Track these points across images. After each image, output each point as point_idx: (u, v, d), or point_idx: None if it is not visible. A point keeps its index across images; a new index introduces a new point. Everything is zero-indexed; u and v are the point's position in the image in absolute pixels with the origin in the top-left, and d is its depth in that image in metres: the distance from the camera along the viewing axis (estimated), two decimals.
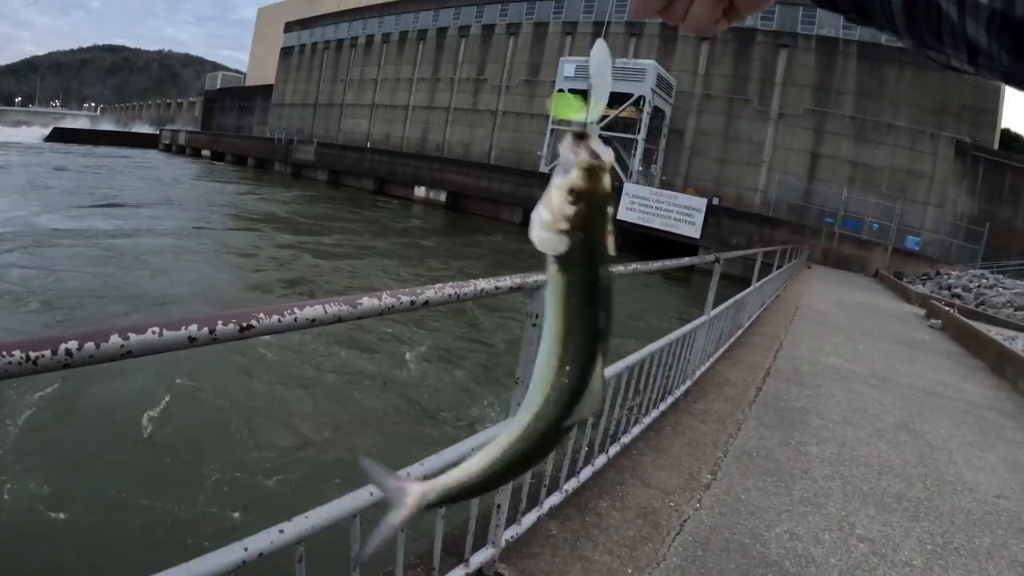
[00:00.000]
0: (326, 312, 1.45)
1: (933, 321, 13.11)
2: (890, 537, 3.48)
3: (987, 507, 4.13)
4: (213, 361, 7.44)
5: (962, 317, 12.61)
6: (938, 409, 6.15)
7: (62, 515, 4.72)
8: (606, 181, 0.46)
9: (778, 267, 11.98)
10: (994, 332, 10.86)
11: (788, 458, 4.41)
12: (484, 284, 2.05)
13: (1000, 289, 20.04)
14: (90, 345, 1.07)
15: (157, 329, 1.17)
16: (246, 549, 1.62)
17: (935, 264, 27.71)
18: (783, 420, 5.06)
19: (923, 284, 23.03)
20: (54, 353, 1.03)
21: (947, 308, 14.16)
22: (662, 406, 4.74)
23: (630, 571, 3.18)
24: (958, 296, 19.57)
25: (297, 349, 8.37)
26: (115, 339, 1.11)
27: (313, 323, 1.42)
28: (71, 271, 11.91)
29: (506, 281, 2.21)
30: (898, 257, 29.02)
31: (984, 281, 21.92)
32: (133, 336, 1.13)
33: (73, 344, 1.05)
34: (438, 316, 11.15)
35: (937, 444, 5.12)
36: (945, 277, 23.77)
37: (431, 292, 1.80)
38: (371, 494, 1.94)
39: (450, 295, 1.86)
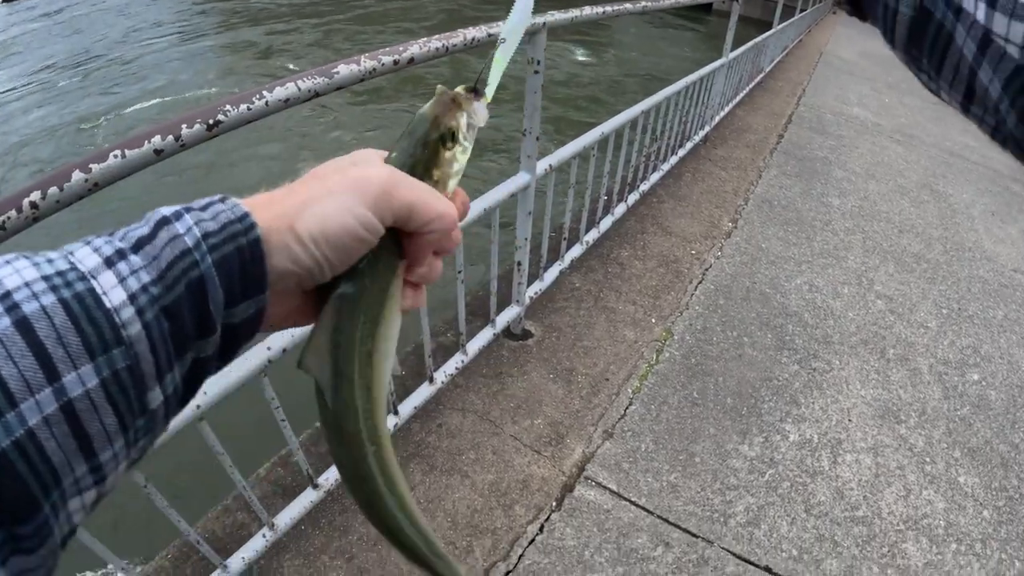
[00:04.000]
0: (300, 89, 1.29)
1: None
2: (907, 297, 3.36)
3: (1003, 279, 4.01)
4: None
5: None
6: (963, 172, 5.85)
7: None
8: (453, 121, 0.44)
9: (801, 10, 10.89)
10: None
11: (809, 209, 4.18)
12: (475, 32, 1.73)
13: None
14: (53, 190, 1.01)
15: (118, 152, 1.08)
16: (269, 348, 1.59)
17: None
18: (805, 170, 4.75)
19: None
20: (19, 211, 0.97)
21: None
22: (680, 152, 4.40)
23: (654, 320, 3.08)
24: None
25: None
26: (78, 175, 1.03)
27: (287, 103, 1.29)
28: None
29: (499, 27, 1.80)
30: None
31: None
32: (95, 167, 1.05)
33: (35, 195, 0.99)
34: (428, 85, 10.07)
35: (959, 208, 4.90)
36: None
37: (416, 48, 1.55)
38: None
39: (438, 48, 1.60)
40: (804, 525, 2.24)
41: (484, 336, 2.64)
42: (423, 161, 0.43)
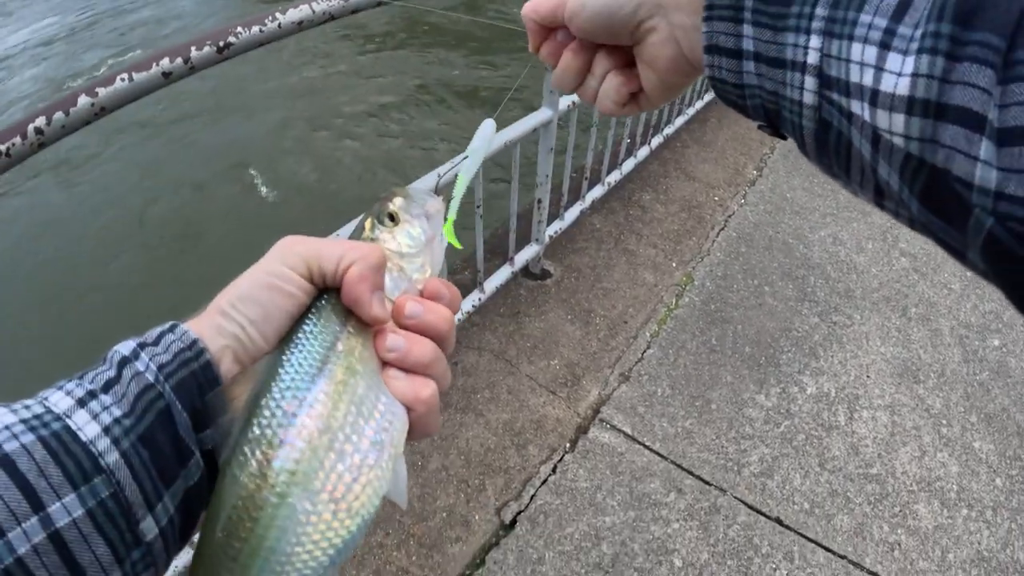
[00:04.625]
0: (314, 12, 1.26)
1: None
2: (931, 256, 3.21)
3: None
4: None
5: None
6: None
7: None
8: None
9: None
10: None
11: None
12: None
13: None
14: (59, 116, 0.99)
15: (125, 75, 1.06)
16: None
17: None
18: None
19: None
20: (24, 137, 0.97)
21: None
22: (707, 97, 4.18)
23: (674, 264, 2.96)
24: None
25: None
26: (84, 100, 1.01)
27: (300, 26, 1.26)
28: None
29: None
30: None
31: None
32: (102, 91, 1.02)
33: (40, 121, 0.98)
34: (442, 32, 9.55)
35: None
36: None
37: None
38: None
39: None
40: (817, 479, 2.17)
41: (502, 274, 2.54)
42: (357, 236, 0.44)
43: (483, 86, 6.15)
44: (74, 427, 0.32)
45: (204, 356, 0.37)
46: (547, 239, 2.72)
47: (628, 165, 3.25)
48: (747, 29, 0.41)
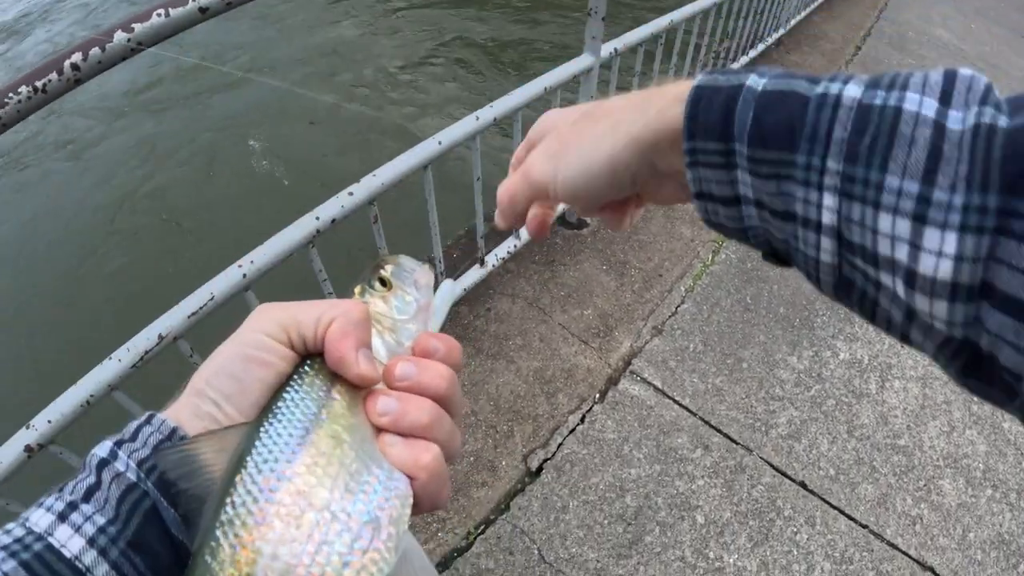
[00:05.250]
0: None
1: None
2: None
3: None
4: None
5: None
6: None
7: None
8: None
9: None
10: None
11: None
12: None
13: None
14: (95, 52, 0.97)
15: (162, 11, 1.03)
16: (318, 218, 1.52)
17: None
18: None
19: None
20: (60, 73, 0.95)
21: None
22: (752, 53, 3.98)
23: (714, 237, 2.83)
24: None
25: None
26: (120, 35, 0.99)
27: None
28: None
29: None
30: None
31: None
32: (138, 26, 1.00)
33: (77, 57, 0.96)
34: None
35: None
36: None
37: None
38: (439, 143, 1.74)
39: None
40: (844, 446, 2.10)
41: None
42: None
43: (525, 43, 5.88)
44: (57, 544, 0.30)
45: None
46: None
47: None
48: (743, 176, 0.35)
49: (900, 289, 0.30)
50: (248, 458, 0.31)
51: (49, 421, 1.21)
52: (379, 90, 5.31)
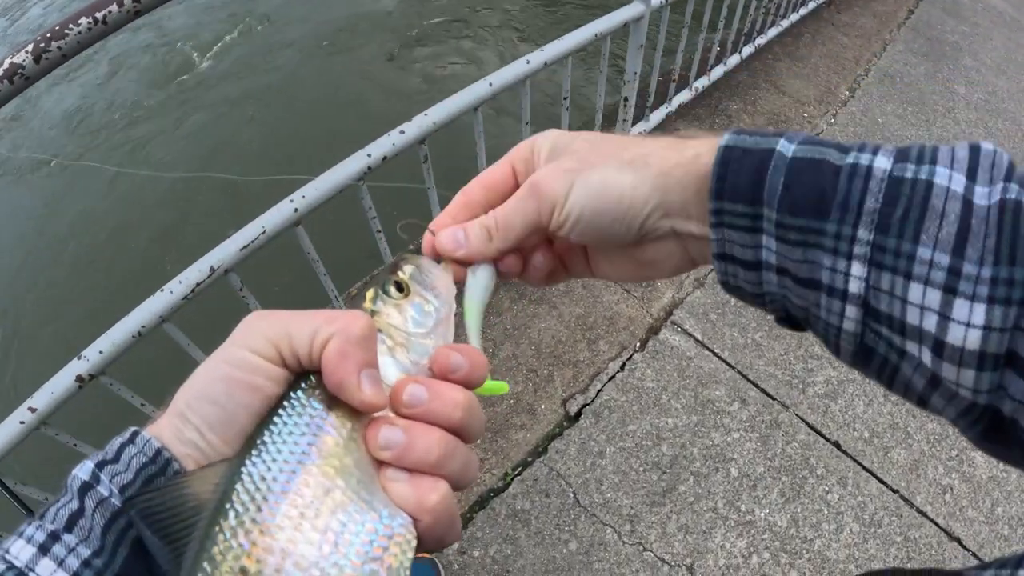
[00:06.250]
0: None
1: None
2: None
3: None
4: None
5: None
6: None
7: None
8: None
9: None
10: None
11: (933, 92, 3.58)
12: None
13: None
14: None
15: None
16: (369, 155, 1.44)
17: None
18: (933, 51, 4.05)
19: None
20: (120, 4, 0.92)
21: None
22: (802, 11, 3.75)
23: None
24: None
25: None
26: None
27: None
28: None
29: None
30: None
31: None
32: None
33: None
34: None
35: None
36: None
37: None
38: (490, 84, 1.64)
39: None
40: (880, 409, 2.01)
41: None
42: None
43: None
44: None
45: (171, 468, 0.30)
46: None
47: (717, 72, 2.93)
48: (768, 241, 0.33)
49: (927, 357, 0.29)
50: (229, 505, 0.27)
51: (100, 352, 1.18)
52: (438, 39, 5.12)
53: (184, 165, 4.06)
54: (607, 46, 1.99)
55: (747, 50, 3.17)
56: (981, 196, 0.28)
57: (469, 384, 0.33)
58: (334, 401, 0.30)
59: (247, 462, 0.28)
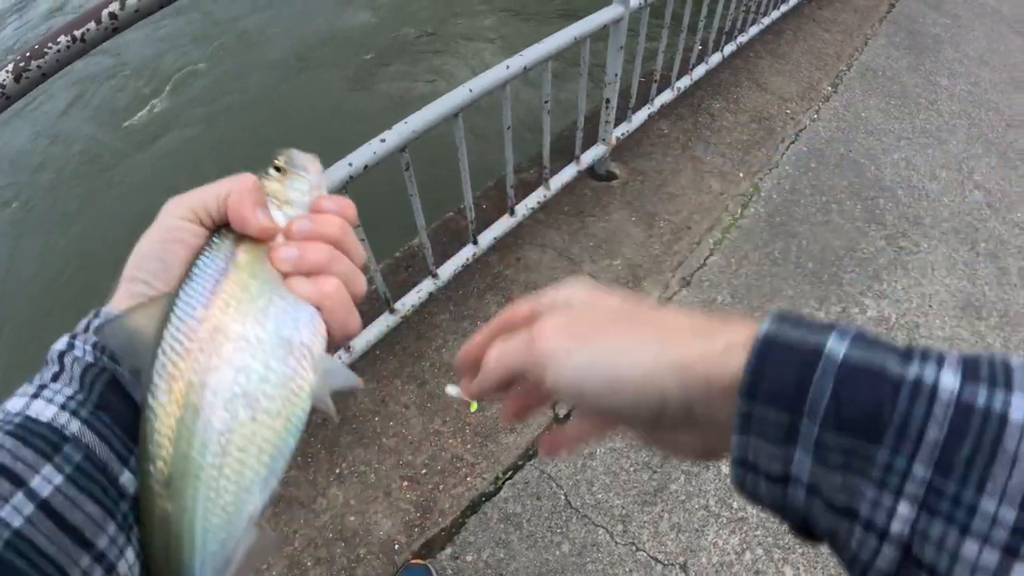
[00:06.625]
0: None
1: None
2: (1006, 194, 2.91)
3: None
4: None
5: None
6: None
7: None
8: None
9: None
10: None
11: (915, 84, 3.60)
12: None
13: None
14: (132, 0, 0.95)
15: None
16: (350, 164, 1.47)
17: None
18: (915, 44, 4.07)
19: None
20: (98, 22, 0.94)
21: None
22: (783, 8, 3.77)
23: (741, 174, 2.71)
24: None
25: None
26: None
27: None
28: None
29: None
30: None
31: None
32: None
33: (114, 6, 0.95)
34: None
35: None
36: None
37: None
38: (470, 90, 1.68)
39: None
40: None
41: (568, 172, 2.35)
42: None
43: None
44: (33, 415, 0.33)
45: None
46: (614, 140, 2.49)
47: (699, 71, 2.95)
48: (802, 457, 0.28)
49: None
50: (171, 314, 0.35)
51: None
52: (417, 46, 5.13)
53: (155, 190, 4.07)
54: (587, 49, 2.01)
55: (729, 49, 3.18)
56: None
57: (343, 216, 0.41)
58: (240, 240, 0.38)
59: (183, 286, 0.36)
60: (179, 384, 0.33)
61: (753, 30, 3.41)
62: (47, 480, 0.31)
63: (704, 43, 2.94)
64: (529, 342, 0.36)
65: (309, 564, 1.62)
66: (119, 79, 4.99)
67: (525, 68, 1.80)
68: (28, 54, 0.92)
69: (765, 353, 0.29)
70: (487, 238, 2.09)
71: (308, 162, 0.43)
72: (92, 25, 0.94)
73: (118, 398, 0.35)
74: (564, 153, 2.43)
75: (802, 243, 2.47)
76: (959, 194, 2.86)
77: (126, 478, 0.34)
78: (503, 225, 2.14)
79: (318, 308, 0.38)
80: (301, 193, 0.41)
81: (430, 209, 1.81)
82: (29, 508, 0.30)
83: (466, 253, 2.06)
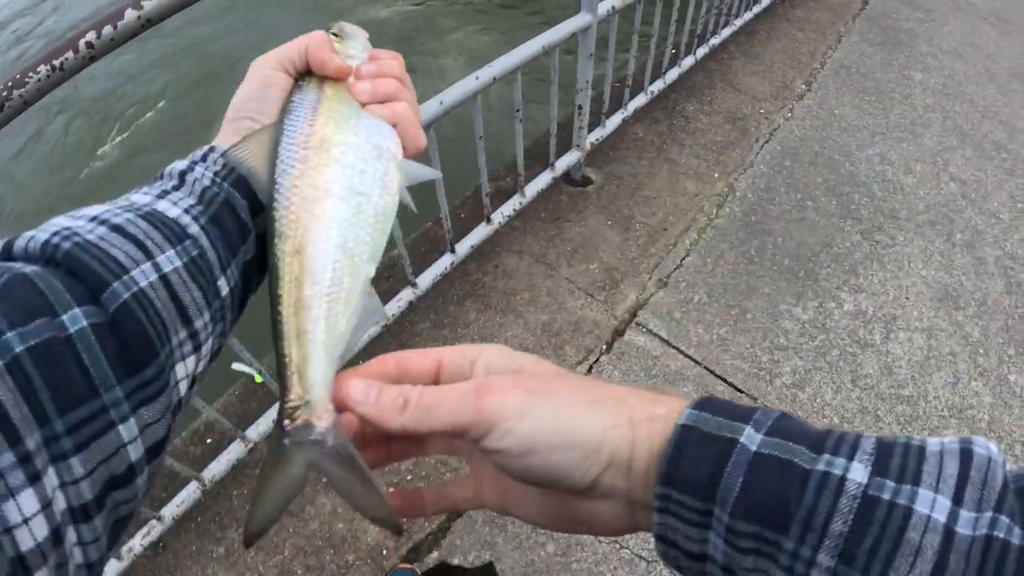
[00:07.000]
0: None
1: None
2: (982, 184, 2.95)
3: None
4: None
5: None
6: None
7: None
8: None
9: None
10: None
11: (889, 80, 3.64)
12: None
13: None
14: (108, 30, 0.98)
15: None
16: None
17: None
18: (888, 39, 4.13)
19: None
20: (76, 51, 0.97)
21: None
22: (756, 8, 3.82)
23: (716, 175, 2.74)
24: None
25: None
26: (130, 13, 1.00)
27: None
28: None
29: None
30: None
31: None
32: (147, 4, 1.01)
33: (91, 35, 0.98)
34: None
35: None
36: None
37: None
38: (440, 103, 1.73)
39: None
40: (848, 395, 2.05)
41: (543, 179, 2.38)
42: None
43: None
44: (161, 210, 0.38)
45: None
46: (588, 146, 2.52)
47: (672, 75, 2.98)
48: (716, 540, 0.30)
49: None
50: (283, 131, 0.43)
51: None
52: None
53: None
54: (556, 58, 2.03)
55: (701, 51, 3.22)
56: (965, 524, 0.25)
57: (396, 61, 0.50)
58: (323, 81, 0.46)
59: (287, 114, 0.44)
60: (292, 180, 0.41)
61: (726, 32, 3.45)
62: (170, 261, 0.36)
63: (677, 46, 2.98)
64: (481, 395, 0.34)
65: (299, 572, 1.64)
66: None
67: (494, 79, 1.83)
68: (10, 83, 0.95)
69: (683, 442, 0.31)
70: (465, 246, 2.12)
71: (356, 30, 0.53)
72: (70, 54, 0.97)
73: (231, 219, 0.41)
74: (540, 160, 2.46)
75: (778, 241, 2.50)
76: (934, 186, 2.89)
77: (221, 283, 0.40)
78: (480, 233, 2.16)
79: (393, 126, 0.46)
80: (358, 50, 0.50)
81: (408, 219, 1.84)
82: (153, 276, 0.35)
83: (444, 262, 2.09)
